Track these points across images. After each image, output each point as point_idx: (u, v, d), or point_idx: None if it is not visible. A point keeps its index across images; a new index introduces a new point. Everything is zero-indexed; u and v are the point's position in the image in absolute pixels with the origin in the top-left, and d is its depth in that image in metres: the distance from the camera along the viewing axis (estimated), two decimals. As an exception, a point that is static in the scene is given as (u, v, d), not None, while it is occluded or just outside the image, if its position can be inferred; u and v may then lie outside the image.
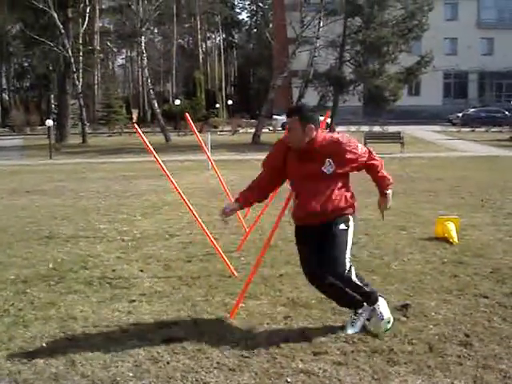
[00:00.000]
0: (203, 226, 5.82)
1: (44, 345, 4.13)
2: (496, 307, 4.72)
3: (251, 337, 4.18)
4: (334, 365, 3.70)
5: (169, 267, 6.18)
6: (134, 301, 5.05)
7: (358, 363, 3.71)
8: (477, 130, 36.91)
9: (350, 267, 4.13)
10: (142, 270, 6.08)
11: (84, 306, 4.96)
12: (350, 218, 4.28)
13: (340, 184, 4.24)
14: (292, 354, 3.88)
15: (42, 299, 5.15)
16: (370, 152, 4.47)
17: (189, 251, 6.90)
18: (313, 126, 4.20)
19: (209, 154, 8.22)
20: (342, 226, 4.20)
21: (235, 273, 5.77)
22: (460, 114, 44.43)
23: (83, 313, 4.78)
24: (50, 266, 6.32)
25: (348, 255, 4.14)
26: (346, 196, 4.26)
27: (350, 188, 4.36)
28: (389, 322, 4.24)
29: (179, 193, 5.58)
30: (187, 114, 6.85)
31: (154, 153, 5.28)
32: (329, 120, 35.03)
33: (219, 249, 5.84)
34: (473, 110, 45.55)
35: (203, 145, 7.51)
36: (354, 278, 4.15)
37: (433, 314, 4.58)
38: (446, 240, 7.08)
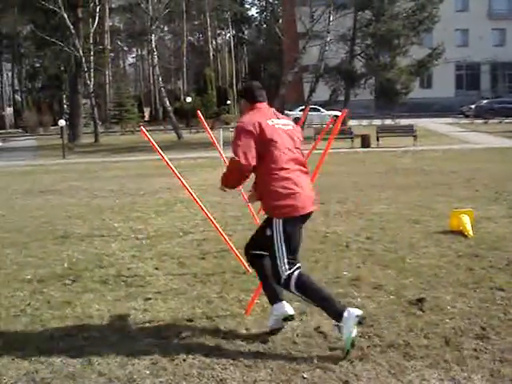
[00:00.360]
0: (215, 223, 5.82)
1: (61, 344, 4.16)
2: (512, 300, 4.69)
3: (266, 333, 4.18)
4: (351, 360, 3.69)
5: (183, 264, 6.20)
6: (149, 299, 5.07)
7: (375, 358, 3.70)
8: (490, 121, 36.61)
9: (292, 272, 3.86)
10: (156, 268, 6.10)
11: (100, 304, 4.99)
12: (274, 221, 3.88)
13: (258, 175, 3.96)
14: (308, 349, 3.88)
15: (58, 298, 5.19)
16: (233, 150, 3.89)
17: (203, 248, 6.92)
18: (242, 101, 4.11)
19: (221, 150, 8.18)
20: (268, 232, 3.91)
21: (249, 269, 5.77)
22: (473, 106, 44.08)
23: (99, 311, 4.81)
24: (66, 265, 6.37)
25: (282, 262, 3.87)
26: (265, 191, 3.94)
27: (270, 184, 3.88)
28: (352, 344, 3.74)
29: (188, 191, 5.56)
30: (199, 111, 6.69)
31: (161, 152, 5.25)
32: (339, 113, 34.99)
33: (232, 246, 5.84)
34: (486, 101, 45.17)
35: (215, 142, 7.43)
36: (292, 288, 3.87)
37: (448, 307, 4.56)
38: (460, 233, 7.03)
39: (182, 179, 5.42)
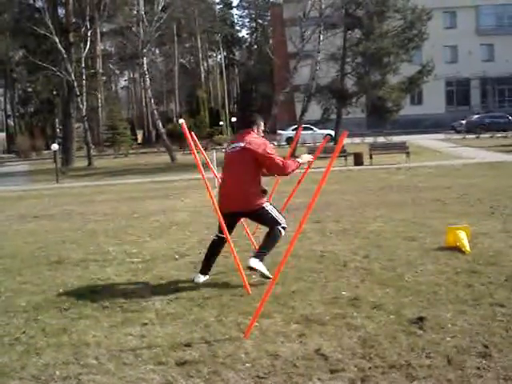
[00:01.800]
0: (231, 244, 5.88)
1: (57, 372, 4.09)
2: (513, 316, 4.65)
3: (266, 356, 4.12)
4: (352, 382, 3.63)
5: (180, 288, 6.13)
6: (146, 324, 5.01)
7: (377, 379, 3.65)
8: (481, 136, 36.83)
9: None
10: (153, 292, 6.03)
11: (96, 331, 4.91)
12: (265, 205, 6.14)
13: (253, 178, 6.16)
14: (308, 372, 3.83)
15: (54, 326, 5.11)
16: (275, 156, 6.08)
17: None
18: (260, 127, 6.36)
19: (215, 171, 8.18)
20: (268, 214, 6.16)
21: (249, 290, 5.72)
22: (464, 121, 44.37)
23: (95, 338, 4.74)
24: (61, 291, 6.29)
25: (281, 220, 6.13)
26: (255, 190, 6.18)
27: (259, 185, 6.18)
28: None
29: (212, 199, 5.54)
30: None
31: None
32: (333, 132, 35.11)
33: (240, 266, 5.84)
34: (476, 116, 45.49)
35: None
36: (283, 231, 6.14)
37: (449, 325, 4.52)
38: (457, 249, 7.01)
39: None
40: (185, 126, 5.96)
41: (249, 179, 5.96)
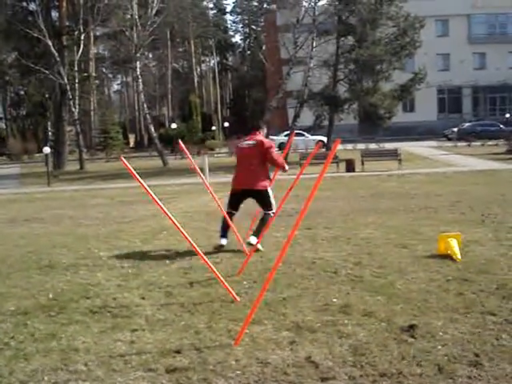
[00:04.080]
0: (199, 251, 5.63)
1: (45, 378, 4.05)
2: (504, 324, 4.65)
3: (257, 364, 4.10)
4: (343, 390, 3.62)
5: (170, 294, 6.10)
6: (136, 330, 4.97)
7: (367, 388, 3.64)
8: (473, 144, 37.02)
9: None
10: (143, 298, 5.99)
11: (85, 336, 4.87)
12: (268, 189, 8.13)
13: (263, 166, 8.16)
14: (299, 380, 3.81)
15: (43, 331, 5.07)
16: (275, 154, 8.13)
17: (190, 277, 6.82)
18: (264, 131, 8.46)
19: (207, 176, 8.35)
20: (269, 196, 8.15)
21: (237, 298, 5.69)
22: (455, 129, 44.58)
23: (85, 344, 4.70)
24: (51, 296, 6.24)
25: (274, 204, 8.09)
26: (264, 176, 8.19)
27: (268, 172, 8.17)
28: None
29: (171, 219, 5.47)
30: (180, 140, 7.76)
31: (141, 181, 5.17)
32: (325, 139, 35.20)
33: (218, 274, 5.72)
34: (468, 124, 45.74)
35: (197, 169, 8.55)
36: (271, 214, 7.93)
37: (440, 333, 4.51)
38: (448, 257, 7.01)
39: (163, 207, 5.31)
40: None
41: (259, 167, 7.98)
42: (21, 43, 39.71)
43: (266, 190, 8.01)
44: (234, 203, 8.24)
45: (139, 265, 7.64)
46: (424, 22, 32.64)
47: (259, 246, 7.73)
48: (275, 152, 8.09)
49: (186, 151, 8.35)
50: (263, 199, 8.04)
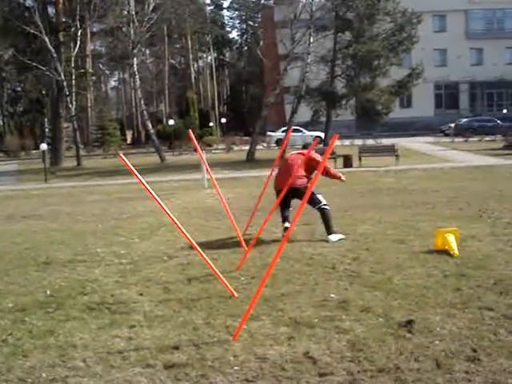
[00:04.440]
0: (198, 248, 5.64)
1: (43, 374, 4.05)
2: (501, 320, 4.66)
3: (255, 359, 4.10)
4: (341, 385, 3.62)
5: (168, 290, 6.10)
6: (134, 326, 4.97)
7: (366, 383, 3.64)
8: (470, 139, 37.02)
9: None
10: (141, 294, 5.99)
11: (83, 333, 4.87)
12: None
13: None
14: (297, 375, 3.81)
15: (41, 327, 5.07)
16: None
17: (188, 273, 6.82)
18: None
19: (208, 171, 8.46)
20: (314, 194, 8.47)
21: (235, 294, 5.69)
22: (453, 125, 44.56)
23: (83, 340, 4.70)
24: (48, 292, 6.24)
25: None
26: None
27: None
28: None
29: (169, 216, 5.47)
30: (190, 130, 7.97)
31: (140, 177, 5.16)
32: (322, 134, 35.20)
33: (217, 271, 5.73)
34: (465, 119, 45.71)
35: (205, 163, 8.85)
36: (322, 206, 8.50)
37: (438, 329, 4.52)
38: (446, 252, 7.02)
39: (162, 204, 5.31)
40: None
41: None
42: (17, 39, 39.57)
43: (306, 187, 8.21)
44: (284, 200, 8.32)
45: (137, 261, 7.65)
46: (421, 17, 32.57)
47: (340, 236, 8.34)
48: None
49: (195, 143, 8.19)
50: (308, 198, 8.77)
